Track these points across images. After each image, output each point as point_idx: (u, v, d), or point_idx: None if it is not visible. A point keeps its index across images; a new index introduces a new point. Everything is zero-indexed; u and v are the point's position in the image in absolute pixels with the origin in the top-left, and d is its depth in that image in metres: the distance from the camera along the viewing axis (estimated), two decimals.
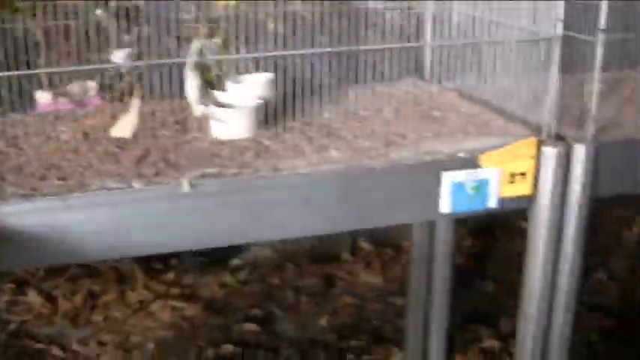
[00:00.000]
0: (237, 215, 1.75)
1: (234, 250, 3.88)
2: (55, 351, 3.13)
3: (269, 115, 1.98)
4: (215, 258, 3.81)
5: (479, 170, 1.91)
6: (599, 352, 3.06)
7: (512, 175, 1.96)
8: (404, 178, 1.86)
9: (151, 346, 3.19)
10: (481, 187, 1.93)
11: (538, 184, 1.98)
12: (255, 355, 3.10)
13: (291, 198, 1.79)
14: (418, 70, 2.36)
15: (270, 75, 2.08)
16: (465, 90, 2.24)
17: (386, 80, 2.12)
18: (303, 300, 3.55)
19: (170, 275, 3.67)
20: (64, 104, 2.12)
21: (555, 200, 2.00)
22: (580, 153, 1.99)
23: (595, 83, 1.96)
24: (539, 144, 1.95)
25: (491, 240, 3.98)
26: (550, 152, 1.96)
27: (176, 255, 3.78)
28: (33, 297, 3.47)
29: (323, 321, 3.38)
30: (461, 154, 1.90)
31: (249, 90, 2.05)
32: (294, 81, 2.19)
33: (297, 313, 3.46)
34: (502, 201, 1.96)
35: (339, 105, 2.15)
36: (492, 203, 1.97)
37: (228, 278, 3.69)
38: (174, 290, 3.59)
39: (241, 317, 3.40)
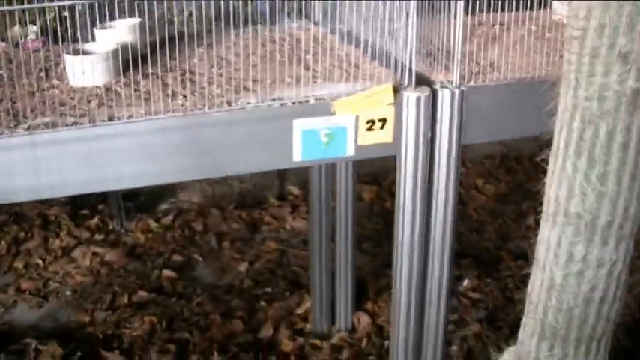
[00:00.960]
0: (73, 165, 1.68)
1: (163, 196, 3.83)
2: None
3: (132, 61, 1.88)
4: (142, 204, 3.76)
5: (332, 118, 1.82)
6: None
7: (371, 123, 1.86)
8: (251, 125, 1.77)
9: (67, 292, 3.16)
10: (336, 134, 1.85)
11: (401, 132, 1.88)
12: (167, 302, 3.06)
13: (128, 147, 1.71)
14: (308, 13, 2.27)
15: (135, 20, 1.98)
16: (351, 34, 2.13)
17: (274, 23, 2.03)
18: (225, 246, 3.50)
19: (95, 221, 3.61)
20: None
21: (419, 148, 1.90)
22: (446, 98, 1.89)
23: (458, 25, 1.85)
24: (397, 89, 1.85)
25: None
26: (411, 98, 1.86)
27: (103, 201, 3.73)
28: None
29: (242, 267, 3.34)
30: (312, 101, 1.80)
31: (116, 36, 1.96)
32: (165, 26, 2.10)
33: (217, 259, 3.41)
34: (362, 149, 1.87)
35: (211, 50, 2.05)
36: (350, 151, 1.88)
37: (152, 224, 3.62)
38: (98, 236, 3.54)
39: (160, 263, 3.36)
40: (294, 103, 1.80)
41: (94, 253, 3.41)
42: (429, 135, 1.91)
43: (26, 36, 2.15)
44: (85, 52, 1.93)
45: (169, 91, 1.84)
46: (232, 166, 1.81)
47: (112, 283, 3.21)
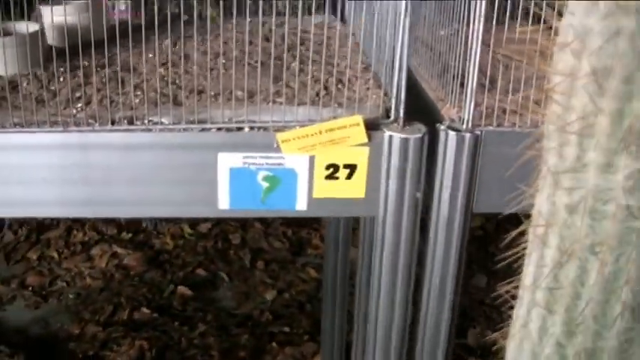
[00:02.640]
0: None
1: None
2: None
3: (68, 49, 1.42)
4: None
5: (276, 156, 1.29)
6: None
7: (333, 168, 1.31)
8: (160, 154, 1.28)
9: (70, 295, 2.83)
10: (280, 179, 1.32)
11: (379, 186, 1.32)
12: (167, 326, 2.65)
13: None
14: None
15: None
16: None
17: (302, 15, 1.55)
18: (258, 266, 3.06)
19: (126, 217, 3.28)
20: None
21: (403, 213, 1.34)
22: (450, 144, 1.31)
23: (475, 37, 1.24)
24: (376, 124, 1.29)
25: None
26: (395, 139, 1.28)
27: None
28: None
29: (269, 295, 2.87)
30: (247, 129, 1.28)
31: (62, 15, 1.52)
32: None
33: (245, 281, 2.98)
34: (318, 204, 1.33)
35: (184, 43, 1.58)
36: (301, 205, 1.34)
37: (186, 230, 3.24)
38: (125, 235, 3.20)
39: (180, 277, 2.97)
40: (220, 129, 1.27)
41: (114, 254, 3.07)
42: (420, 195, 1.32)
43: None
44: (7, 34, 1.49)
45: (78, 95, 1.36)
46: (131, 207, 1.32)
47: (121, 292, 2.85)
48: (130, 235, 3.22)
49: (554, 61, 0.63)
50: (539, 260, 0.73)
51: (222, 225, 3.29)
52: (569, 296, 0.71)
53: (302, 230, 3.30)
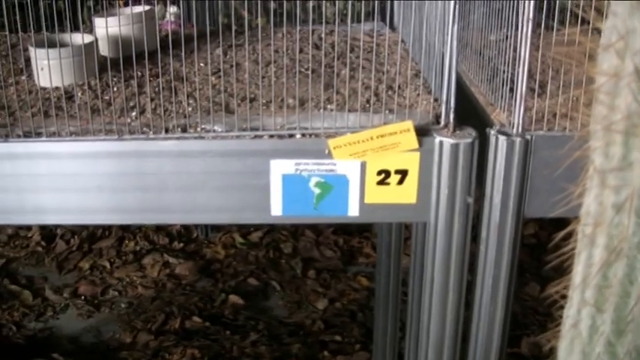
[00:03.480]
0: None
1: None
2: (26, 296, 2.96)
3: (122, 60, 1.50)
4: None
5: (328, 162, 1.33)
6: None
7: (384, 174, 1.35)
8: (212, 161, 1.34)
9: (122, 304, 2.92)
10: (332, 185, 1.36)
11: (430, 191, 1.36)
12: (219, 335, 2.72)
13: (48, 172, 1.35)
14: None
15: (141, 8, 1.62)
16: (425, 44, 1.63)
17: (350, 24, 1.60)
18: (310, 275, 3.10)
19: (178, 226, 3.36)
20: None
21: (455, 218, 1.37)
22: (500, 149, 1.34)
23: (525, 34, 1.27)
24: (426, 130, 1.32)
25: None
26: (446, 144, 1.32)
27: None
28: (34, 233, 3.33)
29: (321, 304, 2.91)
30: (299, 135, 1.33)
31: (115, 26, 1.59)
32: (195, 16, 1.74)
33: (296, 290, 3.02)
34: (370, 209, 1.38)
35: (234, 52, 1.65)
36: (353, 210, 1.38)
37: (238, 239, 3.31)
38: (177, 244, 3.28)
39: (232, 286, 3.03)
40: (272, 136, 1.33)
41: (166, 264, 3.14)
42: (471, 200, 1.34)
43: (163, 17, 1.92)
44: (62, 45, 1.58)
45: (132, 104, 1.44)
46: (183, 214, 1.38)
47: (173, 301, 2.92)
48: (181, 244, 3.30)
49: (599, 62, 0.66)
50: (587, 259, 0.75)
51: (273, 234, 3.35)
52: (618, 295, 0.73)
53: (353, 239, 3.33)
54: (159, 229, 3.35)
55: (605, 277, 0.73)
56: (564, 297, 0.84)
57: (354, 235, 3.34)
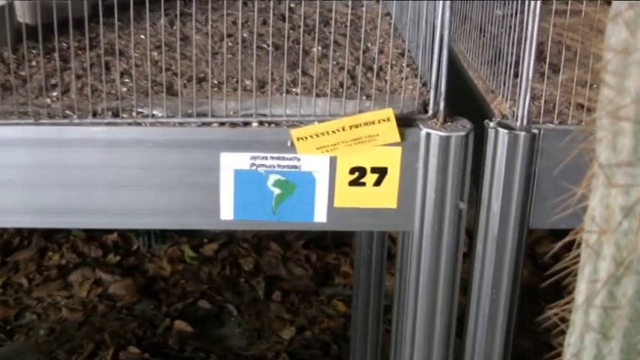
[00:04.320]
0: None
1: None
2: None
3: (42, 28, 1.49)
4: None
5: (292, 156, 1.34)
6: None
7: (359, 172, 1.36)
8: (149, 153, 1.34)
9: (42, 331, 2.91)
10: (295, 185, 1.37)
11: (415, 194, 1.37)
12: None
13: None
14: None
15: None
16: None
17: None
18: (275, 298, 3.12)
19: (114, 236, 3.36)
20: None
21: (444, 228, 1.38)
22: (501, 144, 1.36)
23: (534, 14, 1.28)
24: (411, 121, 1.33)
25: None
26: (434, 138, 1.33)
27: None
28: None
29: (287, 334, 2.92)
30: (255, 124, 1.34)
31: None
32: None
33: (258, 316, 3.03)
34: (341, 215, 1.38)
35: (183, 23, 1.64)
36: (320, 216, 1.39)
37: (188, 252, 3.31)
38: (112, 258, 3.28)
39: (179, 310, 3.03)
40: (223, 124, 1.33)
41: (98, 281, 3.14)
42: (464, 207, 1.36)
43: None
44: None
45: (54, 82, 1.43)
46: (113, 217, 1.38)
47: (105, 327, 2.91)
48: (117, 258, 3.30)
49: (606, 35, 0.66)
50: (592, 274, 0.76)
51: (231, 247, 3.35)
52: (627, 318, 0.73)
53: (328, 254, 3.35)
54: (90, 238, 3.34)
55: (613, 295, 0.74)
56: (564, 320, 0.84)
57: (330, 250, 3.36)
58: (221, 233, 3.48)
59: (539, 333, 2.77)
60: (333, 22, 1.45)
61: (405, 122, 1.32)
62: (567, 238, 0.78)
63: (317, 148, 1.33)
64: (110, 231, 3.40)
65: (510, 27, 1.41)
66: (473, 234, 1.45)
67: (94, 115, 1.32)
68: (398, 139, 1.32)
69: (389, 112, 1.30)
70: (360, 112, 1.33)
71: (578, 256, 0.81)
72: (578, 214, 0.85)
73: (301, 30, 1.54)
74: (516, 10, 1.41)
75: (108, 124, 1.32)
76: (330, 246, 3.42)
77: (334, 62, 1.49)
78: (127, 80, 1.43)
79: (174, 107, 1.33)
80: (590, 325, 0.77)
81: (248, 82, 1.43)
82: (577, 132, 0.81)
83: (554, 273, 0.84)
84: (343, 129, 1.31)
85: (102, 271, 3.21)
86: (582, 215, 0.82)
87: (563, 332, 0.86)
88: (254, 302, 3.12)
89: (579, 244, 0.82)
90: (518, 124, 1.34)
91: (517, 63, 1.38)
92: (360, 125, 1.31)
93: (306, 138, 1.32)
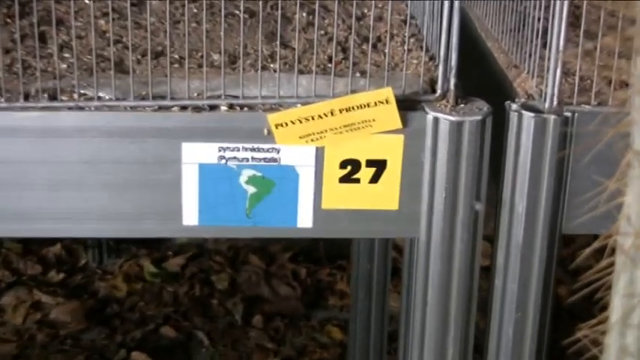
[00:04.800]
0: None
1: None
2: None
3: None
4: None
5: (270, 147, 1.37)
6: None
7: (352, 166, 1.39)
8: (94, 144, 1.36)
9: None
10: (275, 182, 1.39)
11: (420, 193, 1.39)
12: None
13: None
14: None
15: None
16: None
17: None
18: (255, 324, 3.14)
19: (56, 248, 3.38)
20: None
21: (456, 234, 1.41)
22: (526, 131, 1.38)
23: None
24: (414, 102, 1.35)
25: None
26: (444, 124, 1.35)
27: None
28: None
29: None
30: (224, 107, 1.36)
31: None
32: None
33: (233, 345, 3.06)
34: (330, 219, 1.40)
35: None
36: (304, 220, 1.42)
37: (148, 268, 3.33)
38: (55, 275, 3.30)
39: (137, 338, 3.05)
40: (185, 108, 1.35)
41: (36, 305, 3.16)
42: (481, 208, 1.38)
43: None
44: None
45: None
46: (53, 224, 1.40)
47: None
48: (60, 275, 3.31)
49: None
50: (627, 287, 0.77)
51: (201, 261, 3.38)
52: None
53: (321, 270, 3.38)
54: (27, 252, 3.37)
55: None
56: (597, 343, 0.86)
57: (323, 264, 3.40)
58: (189, 244, 3.50)
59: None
60: None
61: (408, 105, 1.34)
62: (597, 244, 0.79)
63: (300, 137, 1.35)
64: (52, 242, 3.41)
65: None
66: (493, 242, 1.47)
67: (26, 97, 1.33)
68: (399, 125, 1.34)
69: (388, 93, 1.32)
70: (353, 92, 1.35)
71: (612, 264, 0.83)
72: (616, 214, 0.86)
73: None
74: None
75: (43, 108, 1.33)
76: (323, 259, 3.45)
77: (321, 32, 1.50)
78: (66, 55, 1.44)
79: (125, 88, 1.34)
80: (627, 349, 0.79)
81: (216, 57, 1.45)
82: (610, 113, 0.83)
83: (584, 286, 0.86)
84: (332, 113, 1.33)
85: (41, 291, 3.23)
86: (617, 215, 0.84)
87: (595, 358, 0.88)
88: (230, 329, 3.14)
89: (613, 250, 0.83)
90: (547, 105, 1.36)
91: (546, 31, 1.39)
92: (353, 108, 1.33)
93: (286, 124, 1.34)
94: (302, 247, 3.48)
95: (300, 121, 1.33)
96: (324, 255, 3.47)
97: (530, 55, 1.42)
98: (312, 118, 1.33)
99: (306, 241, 3.53)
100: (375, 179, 1.37)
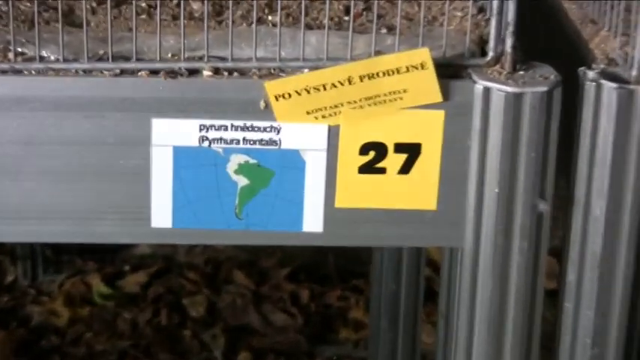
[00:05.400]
0: None
1: None
2: None
3: None
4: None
5: (266, 125, 1.39)
6: None
7: (377, 151, 1.41)
8: (46, 119, 1.38)
9: None
10: (274, 172, 1.42)
11: (466, 186, 1.41)
12: None
13: None
14: None
15: None
16: None
17: None
18: (220, 344, 3.15)
19: None
20: None
21: (507, 241, 1.42)
22: (606, 107, 1.39)
23: None
24: (459, 69, 1.38)
25: None
26: (497, 96, 1.37)
27: None
28: None
29: None
30: (208, 72, 1.38)
31: None
32: None
33: None
34: (344, 221, 1.43)
35: None
36: (312, 223, 1.44)
37: (98, 287, 3.37)
38: None
39: None
40: (156, 72, 1.37)
41: None
42: (547, 208, 1.40)
43: None
44: None
45: None
46: None
47: None
48: None
49: None
50: None
51: (169, 278, 3.41)
52: None
53: (329, 292, 3.39)
54: None
55: None
56: None
57: (332, 284, 3.40)
58: (154, 255, 3.53)
59: None
60: None
61: (450, 71, 1.37)
62: None
63: (307, 113, 1.37)
64: None
65: None
66: (561, 254, 1.49)
67: None
68: (439, 97, 1.36)
69: (424, 55, 1.34)
70: (378, 53, 1.37)
71: None
72: None
73: None
74: None
75: None
76: (333, 277, 3.47)
77: None
78: None
79: (77, 46, 1.36)
80: None
81: (196, 7, 1.47)
82: None
83: None
84: (350, 81, 1.35)
85: None
86: None
87: None
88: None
89: None
90: (635, 73, 1.38)
91: None
92: (378, 75, 1.36)
93: (289, 95, 1.36)
94: (304, 261, 3.50)
95: (308, 92, 1.35)
96: (334, 272, 3.49)
97: (611, 8, 1.45)
98: (324, 88, 1.35)
99: (310, 252, 3.56)
100: (405, 169, 1.40)
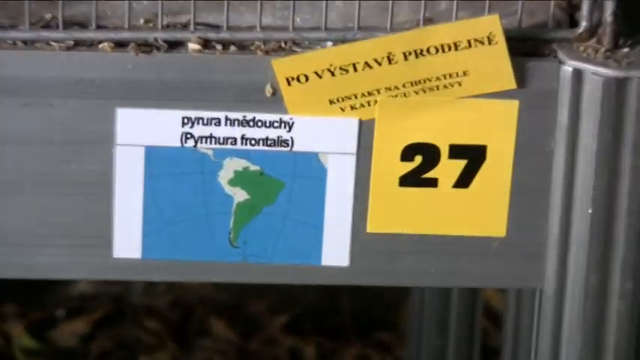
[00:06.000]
0: None
1: None
2: None
3: None
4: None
5: (273, 118, 1.41)
6: None
7: (423, 157, 1.43)
8: None
9: None
10: (285, 183, 1.44)
11: (547, 204, 1.43)
12: None
13: None
14: None
15: None
16: None
17: None
18: None
19: None
20: None
21: (604, 278, 1.44)
22: None
23: None
24: (538, 43, 1.39)
25: None
26: (590, 81, 1.39)
27: None
28: None
29: None
30: (194, 46, 1.40)
31: None
32: None
33: None
34: (379, 250, 1.45)
35: None
36: (335, 254, 1.46)
37: (22, 337, 3.40)
38: None
39: None
40: (125, 44, 1.39)
41: None
42: None
43: None
44: None
45: None
46: None
47: None
48: None
49: None
50: None
51: (121, 327, 3.43)
52: None
53: (345, 348, 3.42)
54: None
55: None
56: None
57: (348, 338, 3.43)
58: (97, 294, 3.55)
59: None
60: None
61: (527, 47, 1.39)
62: None
63: (331, 103, 1.39)
64: None
65: None
66: None
67: None
68: (512, 83, 1.39)
69: (493, 24, 1.37)
70: (429, 22, 1.39)
71: None
72: None
73: None
74: None
75: None
76: (348, 328, 3.50)
77: None
78: None
79: (16, 8, 1.38)
80: None
81: None
82: None
83: None
84: (390, 60, 1.38)
85: None
86: None
87: None
88: None
89: None
90: None
91: None
92: (428, 52, 1.38)
93: (306, 78, 1.38)
94: (308, 305, 3.53)
95: (332, 73, 1.37)
96: (349, 320, 3.52)
97: None
98: (354, 69, 1.37)
99: (316, 292, 3.59)
100: (464, 181, 1.42)
